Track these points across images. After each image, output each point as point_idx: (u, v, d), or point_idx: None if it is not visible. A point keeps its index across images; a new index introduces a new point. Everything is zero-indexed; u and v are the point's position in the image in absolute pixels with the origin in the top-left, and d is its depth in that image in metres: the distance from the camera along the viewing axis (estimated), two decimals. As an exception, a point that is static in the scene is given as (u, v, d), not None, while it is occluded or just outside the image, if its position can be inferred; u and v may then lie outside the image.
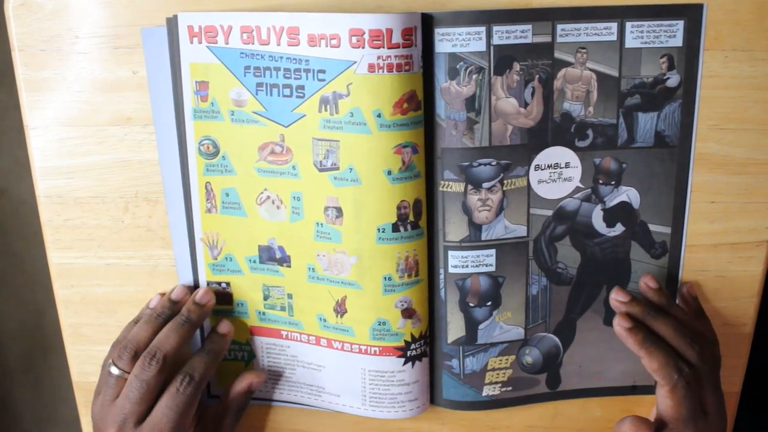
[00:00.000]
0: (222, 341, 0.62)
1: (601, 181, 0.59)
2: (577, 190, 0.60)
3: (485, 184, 0.58)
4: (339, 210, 0.57)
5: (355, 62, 0.53)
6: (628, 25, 0.55)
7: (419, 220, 0.58)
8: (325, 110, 0.55)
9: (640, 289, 0.61)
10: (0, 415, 1.25)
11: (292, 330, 0.63)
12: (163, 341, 0.57)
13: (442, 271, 0.61)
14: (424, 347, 0.62)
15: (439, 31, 0.54)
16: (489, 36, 0.55)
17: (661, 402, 0.56)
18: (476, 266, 0.60)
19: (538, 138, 0.58)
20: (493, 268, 0.60)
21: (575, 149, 0.58)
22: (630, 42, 0.56)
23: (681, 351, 0.56)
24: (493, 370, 0.63)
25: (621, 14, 0.55)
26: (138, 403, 0.55)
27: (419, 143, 0.56)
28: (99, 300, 0.64)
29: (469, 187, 0.58)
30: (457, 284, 0.61)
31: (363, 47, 0.53)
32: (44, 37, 0.58)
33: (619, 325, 0.56)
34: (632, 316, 0.57)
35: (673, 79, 0.57)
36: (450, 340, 0.62)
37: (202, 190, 0.60)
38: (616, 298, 0.58)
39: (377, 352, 0.61)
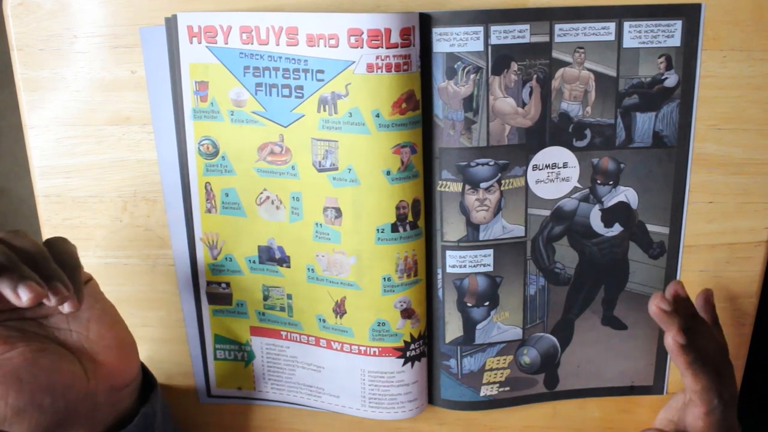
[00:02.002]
0: None
1: (599, 181, 0.59)
2: (575, 190, 0.60)
3: (483, 184, 0.58)
4: (338, 210, 0.58)
5: (354, 62, 0.53)
6: (626, 24, 0.55)
7: (418, 220, 0.58)
8: (324, 110, 0.55)
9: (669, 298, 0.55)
10: None
11: (291, 330, 0.63)
12: None
13: (440, 271, 0.61)
14: (422, 347, 0.62)
15: (436, 31, 0.55)
16: (487, 36, 0.55)
17: (693, 421, 0.54)
18: (474, 266, 0.60)
19: (536, 138, 0.58)
20: (491, 268, 0.60)
21: (573, 149, 0.58)
22: (628, 42, 0.56)
23: (722, 372, 0.54)
24: (491, 370, 0.63)
25: (619, 14, 0.55)
26: None
27: (418, 143, 0.56)
28: (98, 300, 0.64)
29: (467, 187, 0.58)
30: (455, 284, 0.61)
31: (361, 47, 0.53)
32: (43, 36, 0.58)
33: (675, 340, 0.52)
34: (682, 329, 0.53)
35: (671, 79, 0.57)
36: (448, 340, 0.62)
37: (202, 190, 0.60)
38: (660, 305, 0.52)
39: (377, 353, 0.61)
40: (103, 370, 0.51)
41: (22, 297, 0.42)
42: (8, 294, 0.42)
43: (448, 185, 0.58)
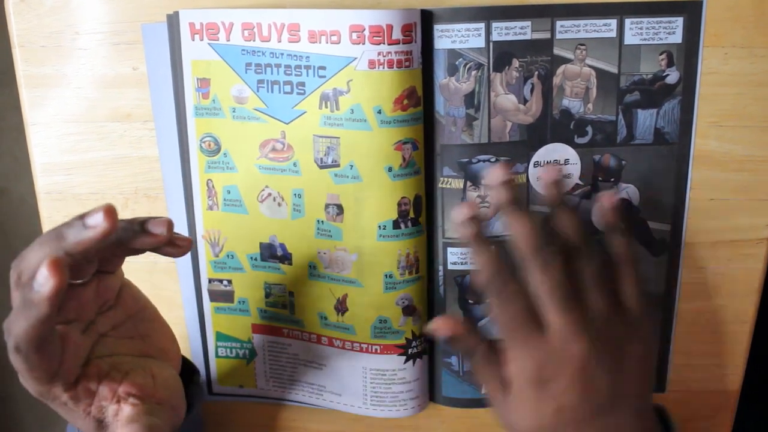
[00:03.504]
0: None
1: (600, 178, 0.59)
2: (576, 187, 0.60)
3: (484, 181, 0.58)
4: (340, 207, 0.58)
5: (356, 58, 0.53)
6: (628, 21, 0.55)
7: (419, 216, 0.58)
8: (326, 107, 0.55)
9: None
10: (0, 415, 1.25)
11: (293, 328, 0.63)
12: (10, 327, 0.41)
13: (441, 268, 0.61)
14: (424, 345, 0.62)
15: (438, 28, 0.55)
16: (488, 32, 0.55)
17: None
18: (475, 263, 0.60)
19: (537, 134, 0.58)
20: (493, 265, 0.60)
21: (574, 146, 0.58)
22: (629, 39, 0.56)
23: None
24: (493, 367, 0.63)
25: (620, 11, 0.55)
26: None
27: (419, 140, 0.56)
28: (99, 297, 0.64)
29: (469, 183, 0.58)
30: (457, 281, 0.61)
31: (363, 43, 0.53)
32: (44, 33, 0.58)
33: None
34: None
35: (673, 76, 0.57)
36: (450, 337, 0.62)
37: (204, 188, 0.60)
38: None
39: (378, 351, 0.61)
40: (174, 361, 0.53)
41: (182, 245, 0.46)
42: (168, 249, 0.46)
43: (449, 182, 0.58)
